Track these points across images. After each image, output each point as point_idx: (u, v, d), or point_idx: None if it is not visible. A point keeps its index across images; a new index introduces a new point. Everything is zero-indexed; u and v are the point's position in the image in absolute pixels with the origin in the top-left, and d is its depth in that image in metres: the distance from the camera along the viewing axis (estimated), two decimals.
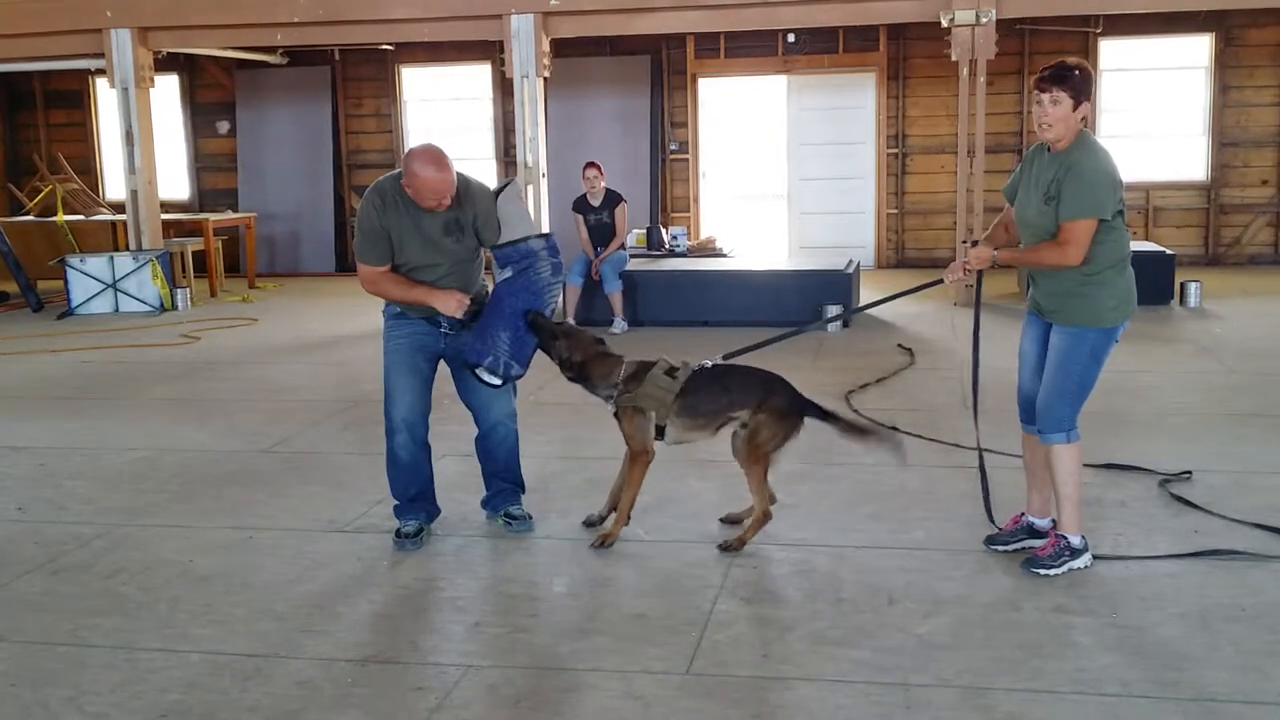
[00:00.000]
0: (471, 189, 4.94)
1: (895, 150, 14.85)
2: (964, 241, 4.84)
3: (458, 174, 4.85)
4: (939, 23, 11.53)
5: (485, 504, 5.36)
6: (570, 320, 10.76)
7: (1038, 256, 4.54)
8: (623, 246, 11.16)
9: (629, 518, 5.02)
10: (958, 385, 4.90)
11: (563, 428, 6.83)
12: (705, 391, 4.90)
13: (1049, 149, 4.53)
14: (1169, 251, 11.82)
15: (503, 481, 5.28)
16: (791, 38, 14.65)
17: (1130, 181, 16.09)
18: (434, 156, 4.74)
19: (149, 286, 12.70)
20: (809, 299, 10.28)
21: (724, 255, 12.83)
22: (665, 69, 15.28)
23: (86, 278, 12.66)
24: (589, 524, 5.18)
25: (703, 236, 14.33)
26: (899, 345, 9.45)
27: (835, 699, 3.66)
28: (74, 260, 12.77)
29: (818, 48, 14.71)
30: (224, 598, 4.61)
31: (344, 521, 5.42)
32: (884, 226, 14.96)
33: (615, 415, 4.98)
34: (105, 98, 15.71)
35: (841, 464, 6.15)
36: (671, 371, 4.89)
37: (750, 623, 4.25)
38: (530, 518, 5.26)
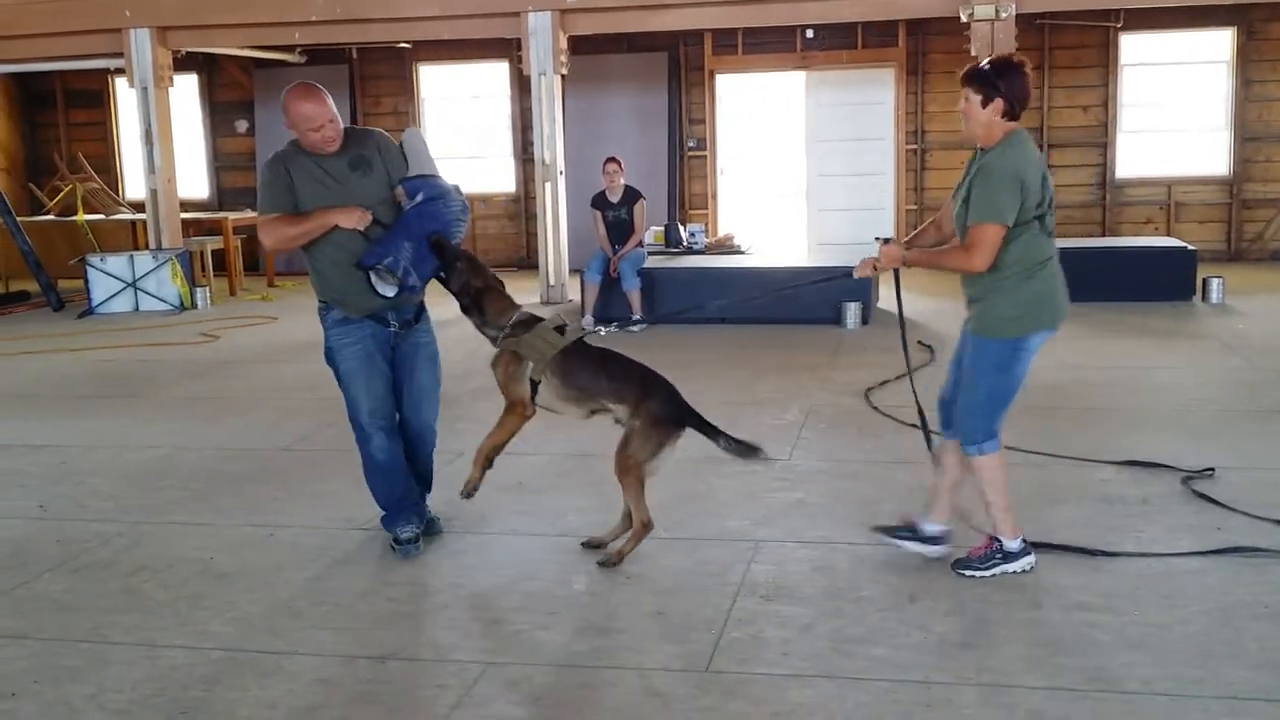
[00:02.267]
0: (369, 130, 4.96)
1: (914, 146, 14.80)
2: (876, 238, 4.75)
3: (351, 126, 4.88)
4: (958, 18, 11.49)
5: None
6: (589, 318, 10.78)
7: (942, 259, 4.46)
8: (641, 244, 11.15)
9: (489, 462, 4.84)
10: None
11: (575, 427, 6.81)
12: (586, 365, 4.78)
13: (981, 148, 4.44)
14: (1191, 247, 11.73)
15: (419, 483, 5.20)
16: (810, 33, 14.61)
17: (1152, 176, 15.96)
18: (303, 90, 4.69)
19: (169, 285, 12.75)
20: (827, 296, 10.24)
21: (742, 252, 12.80)
22: (683, 65, 15.26)
23: (107, 277, 12.72)
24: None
25: (721, 233, 14.32)
26: (919, 342, 9.39)
27: (856, 697, 3.65)
28: (94, 259, 12.83)
29: (836, 43, 14.67)
30: (244, 595, 4.62)
31: (363, 519, 5.42)
32: (903, 222, 14.89)
33: (492, 364, 4.86)
34: (125, 97, 15.77)
35: (863, 461, 6.14)
36: (560, 329, 4.77)
37: (770, 620, 4.23)
38: (438, 519, 5.23)
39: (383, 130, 5.04)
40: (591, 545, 4.95)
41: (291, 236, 4.78)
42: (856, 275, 4.77)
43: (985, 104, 4.30)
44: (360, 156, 4.81)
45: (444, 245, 4.82)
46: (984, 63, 4.40)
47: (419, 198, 4.82)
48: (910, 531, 4.73)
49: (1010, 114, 4.31)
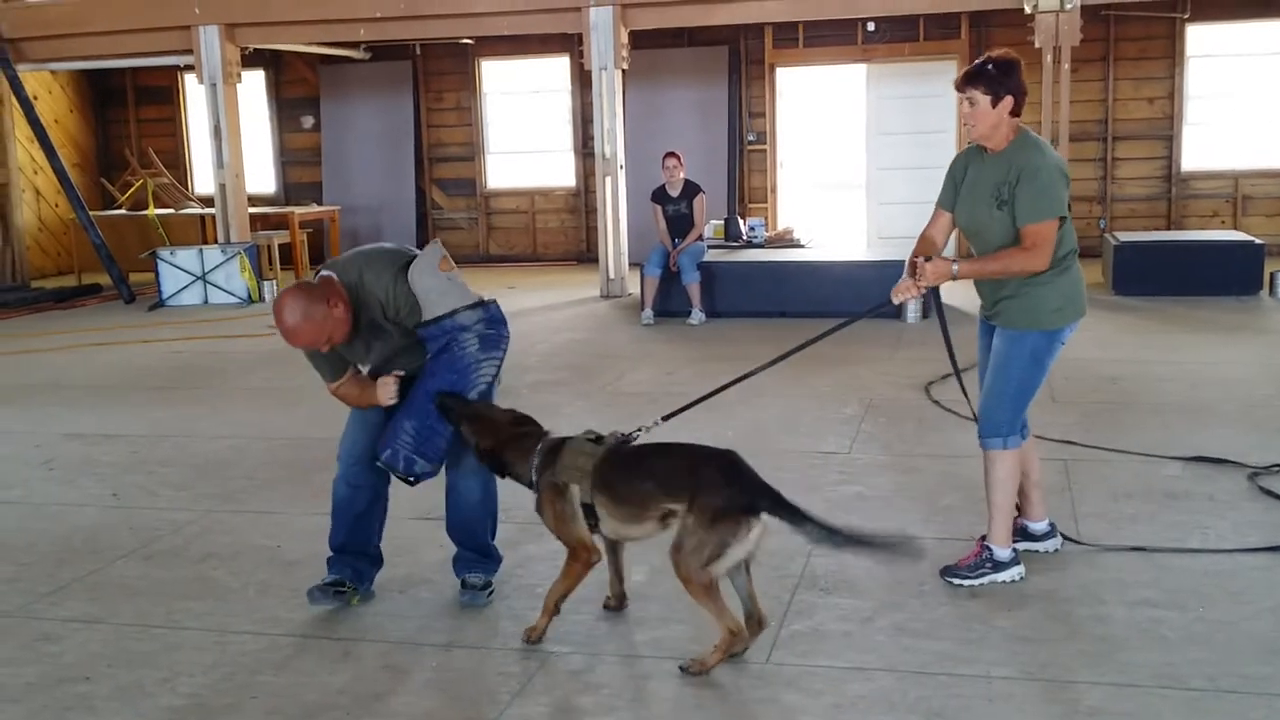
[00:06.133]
0: (365, 282, 4.20)
1: None
2: (914, 260, 4.57)
3: (349, 267, 4.24)
4: (1022, 9, 11.39)
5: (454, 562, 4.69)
6: (649, 311, 10.81)
7: (1002, 264, 4.28)
8: (700, 237, 11.17)
9: (557, 609, 4.14)
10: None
11: (636, 417, 6.83)
12: (626, 470, 4.00)
13: (985, 151, 4.36)
14: (1258, 241, 11.54)
15: (464, 547, 4.61)
16: (871, 26, 14.54)
17: (1219, 170, 15.72)
18: (280, 309, 4.09)
19: (237, 278, 12.96)
20: (887, 290, 10.13)
21: (801, 246, 12.78)
22: (743, 59, 15.24)
23: (176, 270, 12.94)
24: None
25: (780, 227, 14.28)
26: None
27: (916, 690, 3.65)
28: (164, 253, 13.06)
29: (898, 36, 14.58)
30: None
31: (427, 508, 5.46)
32: None
33: (537, 511, 4.18)
34: (194, 93, 16.05)
35: (923, 455, 6.13)
36: (598, 440, 4.10)
37: (830, 613, 4.25)
38: (488, 588, 4.53)
39: (384, 267, 4.24)
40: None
41: (354, 405, 4.48)
42: (897, 301, 4.66)
43: (995, 103, 4.23)
44: (371, 324, 4.26)
45: (446, 408, 4.22)
46: (982, 62, 4.30)
47: (431, 350, 4.30)
48: (1019, 535, 4.65)
49: (1017, 110, 4.27)
